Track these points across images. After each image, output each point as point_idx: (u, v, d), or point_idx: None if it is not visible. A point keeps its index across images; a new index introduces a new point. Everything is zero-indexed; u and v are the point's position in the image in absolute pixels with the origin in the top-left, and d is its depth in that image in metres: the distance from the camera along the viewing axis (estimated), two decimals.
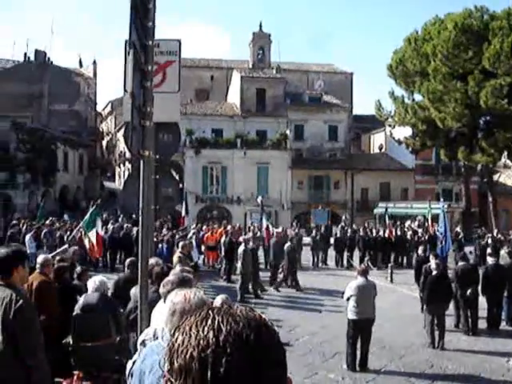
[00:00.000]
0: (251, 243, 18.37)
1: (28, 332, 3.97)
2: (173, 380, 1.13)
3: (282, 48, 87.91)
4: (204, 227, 25.92)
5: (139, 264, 4.20)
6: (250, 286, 17.34)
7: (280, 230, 23.73)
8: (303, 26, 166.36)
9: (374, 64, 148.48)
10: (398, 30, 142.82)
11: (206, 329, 1.14)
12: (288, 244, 18.99)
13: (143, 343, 3.31)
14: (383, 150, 51.69)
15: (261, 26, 59.82)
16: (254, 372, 1.10)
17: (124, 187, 7.76)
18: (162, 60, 6.31)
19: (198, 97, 55.79)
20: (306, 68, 63.66)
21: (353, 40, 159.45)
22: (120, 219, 30.38)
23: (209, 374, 1.08)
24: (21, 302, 3.98)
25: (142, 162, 4.13)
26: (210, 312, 1.19)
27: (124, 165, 58.50)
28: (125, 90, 5.48)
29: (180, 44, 6.67)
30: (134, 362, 3.26)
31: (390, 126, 45.34)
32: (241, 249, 17.38)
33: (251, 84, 48.82)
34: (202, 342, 1.12)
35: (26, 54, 61.43)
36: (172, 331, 1.23)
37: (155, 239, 16.62)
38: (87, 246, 16.43)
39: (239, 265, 17.51)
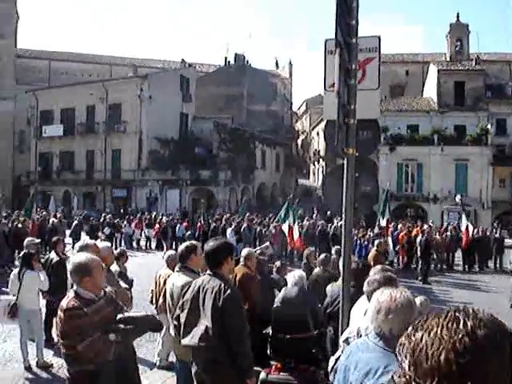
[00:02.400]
0: None
1: (235, 320, 4.20)
2: (420, 381, 1.12)
3: (481, 38, 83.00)
4: (399, 226, 25.37)
5: (341, 260, 4.23)
6: None
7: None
8: (503, 15, 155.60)
9: None
10: None
11: (459, 332, 1.11)
12: None
13: (346, 341, 3.34)
14: None
15: (458, 16, 57.30)
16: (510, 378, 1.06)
17: (323, 184, 7.86)
18: (362, 57, 6.27)
19: (393, 93, 54.82)
20: (509, 58, 59.41)
21: None
22: (314, 216, 30.87)
23: (468, 382, 1.05)
24: (229, 291, 4.22)
25: (345, 159, 4.16)
26: (457, 315, 1.15)
27: (318, 162, 59.40)
28: (325, 89, 5.55)
29: (380, 40, 6.57)
30: (337, 359, 3.29)
31: None
32: None
33: (449, 77, 46.83)
34: (458, 346, 1.09)
35: (226, 58, 65.16)
36: (411, 330, 1.20)
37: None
38: (288, 240, 16.98)
39: None
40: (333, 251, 11.65)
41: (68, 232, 25.94)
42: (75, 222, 27.79)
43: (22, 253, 11.38)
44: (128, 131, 47.19)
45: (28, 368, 8.94)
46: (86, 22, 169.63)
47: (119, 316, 4.12)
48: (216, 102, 54.43)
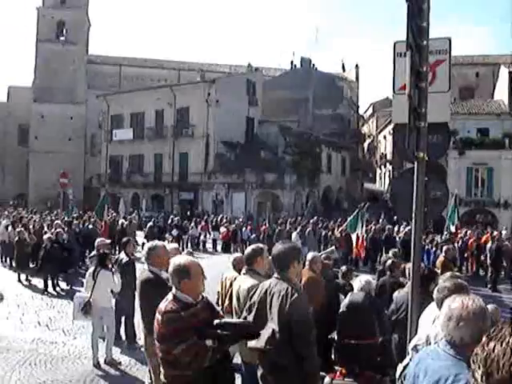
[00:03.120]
0: None
1: (302, 324, 4.18)
2: None
3: None
4: (468, 232, 24.70)
5: (411, 266, 4.16)
6: None
7: None
8: None
9: None
10: None
11: None
12: None
13: (415, 348, 3.28)
14: None
15: None
16: None
17: (392, 189, 7.75)
18: (432, 59, 6.16)
19: (463, 95, 53.41)
20: None
21: None
22: (381, 220, 30.45)
23: None
24: (296, 295, 4.21)
25: (415, 164, 4.09)
26: None
27: (385, 166, 58.54)
28: (393, 91, 5.48)
29: (450, 42, 6.44)
30: (405, 366, 3.24)
31: None
32: None
33: None
34: None
35: (292, 61, 65.27)
36: (485, 339, 1.18)
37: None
38: (354, 245, 16.86)
39: None
40: (390, 254, 11.49)
41: (139, 233, 26.60)
42: (150, 223, 28.41)
43: (93, 253, 11.76)
44: (195, 135, 47.91)
45: (97, 365, 9.19)
46: (154, 27, 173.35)
47: (216, 321, 4.08)
48: (282, 105, 54.53)
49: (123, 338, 10.42)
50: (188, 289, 4.09)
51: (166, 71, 65.14)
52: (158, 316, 4.04)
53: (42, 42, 60.70)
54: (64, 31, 62.07)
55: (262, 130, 50.69)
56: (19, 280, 17.80)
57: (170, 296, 4.14)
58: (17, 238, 18.58)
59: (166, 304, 4.04)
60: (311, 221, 24.84)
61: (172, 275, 4.14)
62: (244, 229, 28.01)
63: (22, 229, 19.24)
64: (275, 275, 4.49)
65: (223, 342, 4.02)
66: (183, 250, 17.84)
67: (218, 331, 4.01)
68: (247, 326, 4.33)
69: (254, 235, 27.08)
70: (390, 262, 9.20)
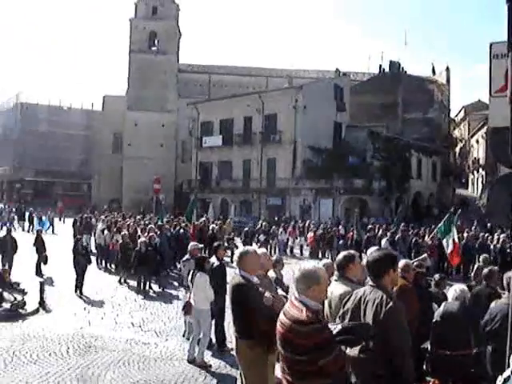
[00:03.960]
0: None
1: (398, 333, 4.10)
2: None
3: None
4: None
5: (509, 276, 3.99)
6: None
7: None
8: None
9: None
10: None
11: None
12: None
13: None
14: None
15: None
16: None
17: (487, 195, 7.49)
18: None
19: None
20: None
21: None
22: (474, 227, 29.42)
23: None
24: (391, 303, 4.13)
25: None
26: None
27: (478, 171, 56.56)
28: (490, 94, 5.31)
29: None
30: (506, 378, 3.13)
31: None
32: None
33: None
34: None
35: (380, 65, 64.31)
36: None
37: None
38: (448, 252, 16.34)
39: None
40: (480, 261, 11.07)
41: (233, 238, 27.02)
42: (245, 228, 28.79)
43: (185, 257, 12.03)
44: (283, 141, 48.06)
45: (189, 366, 9.40)
46: (242, 35, 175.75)
47: (338, 326, 4.02)
48: (370, 110, 53.82)
49: (213, 341, 10.60)
50: (315, 295, 4.04)
51: (255, 78, 65.84)
52: (294, 327, 3.92)
53: (135, 53, 62.81)
54: (156, 41, 63.98)
55: (350, 135, 50.15)
56: (120, 282, 18.44)
57: (298, 304, 4.03)
58: (120, 241, 19.30)
59: (302, 315, 3.92)
60: (401, 227, 24.29)
61: (300, 280, 4.08)
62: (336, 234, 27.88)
63: (126, 232, 19.97)
64: (370, 283, 4.43)
65: (350, 346, 3.97)
66: (271, 255, 17.96)
67: (342, 337, 3.94)
68: (366, 327, 4.20)
69: (341, 241, 26.87)
70: (486, 270, 8.85)
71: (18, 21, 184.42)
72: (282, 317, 4.10)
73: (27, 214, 40.13)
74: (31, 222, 37.41)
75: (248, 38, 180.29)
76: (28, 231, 36.07)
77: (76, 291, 16.03)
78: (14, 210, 44.08)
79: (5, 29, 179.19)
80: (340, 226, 31.11)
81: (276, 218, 40.50)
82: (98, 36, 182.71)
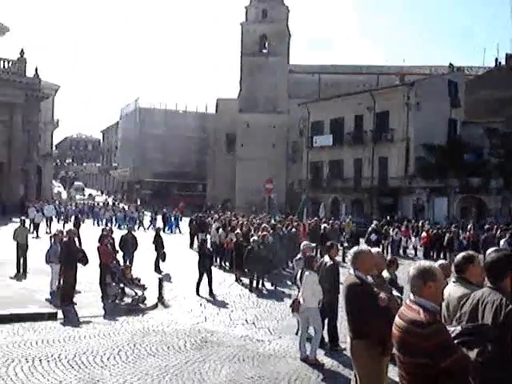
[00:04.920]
0: None
1: None
2: None
3: None
4: None
5: None
6: None
7: None
8: None
9: None
10: None
11: None
12: None
13: None
14: None
15: None
16: None
17: None
18: None
19: None
20: None
21: None
22: None
23: None
24: (510, 306, 4.00)
25: None
26: None
27: None
28: None
29: None
30: None
31: None
32: None
33: None
34: None
35: (496, 59, 61.34)
36: None
37: None
38: None
39: None
40: None
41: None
42: (370, 228, 28.62)
43: (298, 255, 12.18)
44: (395, 139, 47.18)
45: (302, 364, 9.48)
46: (352, 33, 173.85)
47: (457, 329, 3.95)
48: (487, 105, 51.41)
49: (326, 339, 10.62)
50: (431, 293, 3.97)
51: (365, 76, 64.90)
52: (412, 329, 3.85)
53: (247, 56, 63.82)
54: (266, 44, 64.70)
55: (466, 131, 48.31)
56: (237, 280, 18.86)
57: (414, 306, 3.96)
58: (234, 240, 19.80)
59: (420, 316, 3.85)
60: None
61: (415, 277, 4.02)
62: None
63: (240, 231, 20.46)
64: (488, 285, 4.30)
65: (471, 348, 3.88)
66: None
67: (463, 338, 3.86)
68: (487, 327, 4.06)
69: (457, 242, 26.02)
70: None
71: (133, 31, 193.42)
72: (397, 320, 4.07)
73: (159, 214, 42.35)
74: (165, 222, 39.51)
75: (357, 35, 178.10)
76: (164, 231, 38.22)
77: (198, 291, 16.29)
78: (143, 211, 46.25)
79: (124, 37, 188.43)
80: (454, 226, 30.00)
81: (388, 218, 39.83)
82: (212, 41, 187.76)
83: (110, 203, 54.76)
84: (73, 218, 38.39)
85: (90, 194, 76.93)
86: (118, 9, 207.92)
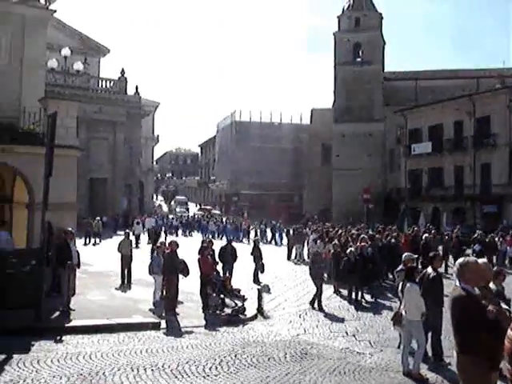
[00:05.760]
0: None
1: None
2: None
3: None
4: None
5: None
6: None
7: None
8: None
9: None
10: None
11: None
12: None
13: None
14: None
15: None
16: None
17: None
18: None
19: None
20: None
21: None
22: None
23: None
24: None
25: None
26: None
27: None
28: None
29: None
30: None
31: None
32: None
33: None
34: None
35: None
36: None
37: None
38: None
39: None
40: None
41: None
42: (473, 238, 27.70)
43: (399, 267, 11.92)
44: (498, 144, 45.28)
45: (405, 378, 9.25)
46: (447, 38, 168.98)
47: None
48: None
49: (429, 353, 10.31)
50: None
51: (463, 80, 62.79)
52: None
53: (341, 65, 63.51)
54: (360, 52, 64.18)
55: None
56: (335, 291, 18.66)
57: None
58: (332, 251, 19.65)
59: None
60: None
61: None
62: None
63: (337, 242, 20.30)
64: None
65: None
66: (493, 266, 16.97)
67: None
68: None
69: None
70: None
71: (228, 48, 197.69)
72: (510, 332, 3.89)
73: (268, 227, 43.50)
74: (274, 234, 40.59)
75: (452, 41, 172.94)
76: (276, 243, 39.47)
77: (313, 305, 16.16)
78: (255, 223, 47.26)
79: (219, 54, 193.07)
80: None
81: (493, 227, 38.09)
82: (306, 51, 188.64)
83: (217, 215, 56.40)
84: (179, 230, 40.17)
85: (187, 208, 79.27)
86: (211, 27, 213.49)
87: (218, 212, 71.10)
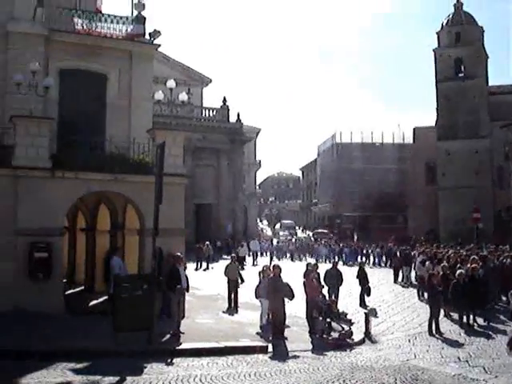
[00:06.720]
0: None
1: None
2: None
3: None
4: None
5: None
6: None
7: None
8: None
9: None
10: None
11: None
12: None
13: None
14: None
15: None
16: None
17: None
18: None
19: None
20: None
21: None
22: None
23: None
24: None
25: None
26: None
27: None
28: None
29: None
30: None
31: None
32: None
33: None
34: None
35: None
36: None
37: None
38: None
39: None
40: None
41: None
42: None
43: None
44: None
45: None
46: None
47: None
48: None
49: None
50: None
51: None
52: None
53: (442, 82, 62.03)
54: (462, 67, 62.42)
55: None
56: (446, 315, 17.92)
57: None
58: (441, 273, 18.86)
59: None
60: None
61: None
62: None
63: (446, 264, 19.55)
64: None
65: None
66: None
67: None
68: None
69: None
70: None
71: (323, 72, 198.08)
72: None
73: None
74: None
75: None
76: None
77: (430, 331, 15.59)
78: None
79: (315, 78, 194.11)
80: None
81: None
82: (406, 68, 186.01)
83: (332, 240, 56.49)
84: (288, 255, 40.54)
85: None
86: (307, 54, 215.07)
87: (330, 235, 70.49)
